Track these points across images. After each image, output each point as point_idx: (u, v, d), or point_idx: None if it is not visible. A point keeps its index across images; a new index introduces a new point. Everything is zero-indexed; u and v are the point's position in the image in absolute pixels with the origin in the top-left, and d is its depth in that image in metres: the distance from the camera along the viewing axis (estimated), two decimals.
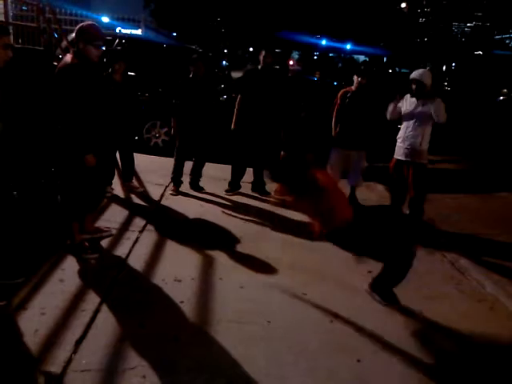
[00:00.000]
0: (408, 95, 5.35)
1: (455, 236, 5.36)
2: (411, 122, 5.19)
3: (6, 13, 6.60)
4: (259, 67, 5.85)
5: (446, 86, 27.52)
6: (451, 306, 3.73)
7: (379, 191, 6.74)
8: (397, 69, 30.11)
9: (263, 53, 5.80)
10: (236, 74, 10.02)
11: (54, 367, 2.56)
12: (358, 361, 2.90)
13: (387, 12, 25.37)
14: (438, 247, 4.92)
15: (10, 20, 6.91)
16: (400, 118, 5.40)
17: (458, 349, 3.17)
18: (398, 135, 5.39)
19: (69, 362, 2.61)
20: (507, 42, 38.36)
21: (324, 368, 2.82)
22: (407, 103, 5.30)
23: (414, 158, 5.23)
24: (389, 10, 25.95)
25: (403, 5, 30.31)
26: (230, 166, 6.10)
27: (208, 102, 5.77)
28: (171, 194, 5.73)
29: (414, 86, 5.15)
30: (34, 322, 2.93)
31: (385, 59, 31.69)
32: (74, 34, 3.88)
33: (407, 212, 5.54)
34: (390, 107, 5.43)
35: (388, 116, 5.48)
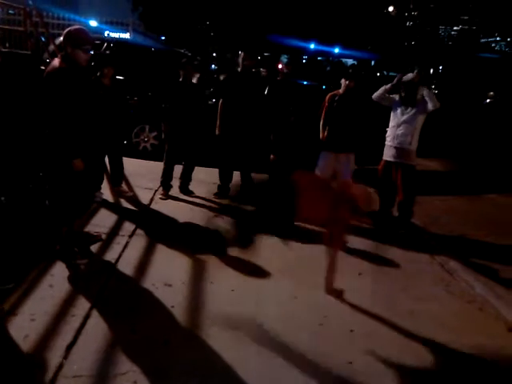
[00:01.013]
0: (397, 96, 5.42)
1: (444, 238, 5.41)
2: (401, 120, 5.28)
3: None
4: (239, 70, 5.87)
5: (433, 88, 27.78)
6: (441, 306, 3.77)
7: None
8: (385, 72, 30.34)
9: (242, 55, 5.82)
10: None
11: (45, 373, 2.54)
12: (350, 363, 2.91)
13: (374, 16, 25.56)
14: (427, 249, 4.96)
15: None
16: (390, 108, 5.46)
17: (447, 349, 3.20)
18: (387, 134, 5.46)
19: (60, 367, 2.59)
20: (493, 45, 38.81)
21: (315, 370, 2.82)
22: (397, 103, 5.38)
23: (402, 159, 5.29)
24: (376, 13, 26.14)
25: (390, 8, 30.56)
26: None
27: (197, 105, 5.78)
28: (161, 199, 5.72)
29: (403, 94, 5.27)
30: (23, 328, 2.90)
31: (373, 63, 31.92)
32: (61, 38, 3.85)
33: (396, 214, 5.59)
34: (382, 88, 5.47)
35: (375, 95, 5.51)
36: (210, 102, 7.63)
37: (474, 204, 7.02)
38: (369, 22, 24.50)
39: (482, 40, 38.08)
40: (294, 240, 4.76)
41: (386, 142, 5.47)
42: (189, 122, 5.67)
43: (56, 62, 3.61)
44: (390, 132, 5.44)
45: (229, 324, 3.20)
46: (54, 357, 2.67)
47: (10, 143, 3.68)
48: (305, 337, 3.14)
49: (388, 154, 5.44)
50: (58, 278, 3.57)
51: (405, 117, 5.25)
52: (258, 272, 4.04)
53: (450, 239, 5.41)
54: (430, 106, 5.12)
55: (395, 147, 5.33)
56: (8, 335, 2.83)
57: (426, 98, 5.12)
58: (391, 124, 5.43)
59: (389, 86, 5.46)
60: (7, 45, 8.39)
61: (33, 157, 4.98)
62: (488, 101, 23.41)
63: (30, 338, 2.81)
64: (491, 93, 24.02)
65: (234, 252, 4.38)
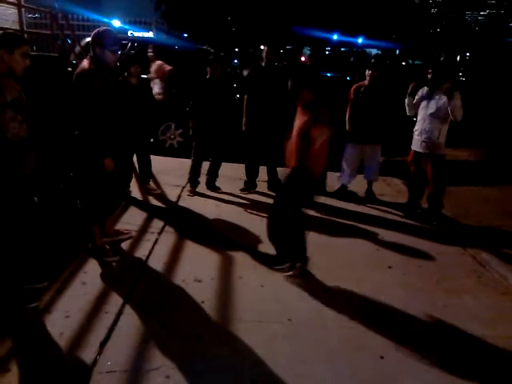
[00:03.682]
0: (425, 88, 5.32)
1: (476, 229, 5.31)
2: (428, 115, 5.16)
3: (20, 21, 6.67)
4: (263, 64, 5.84)
5: (460, 76, 27.15)
6: (474, 298, 3.69)
7: (396, 185, 6.69)
8: (410, 61, 29.81)
9: (266, 49, 5.79)
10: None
11: (81, 369, 2.60)
12: (382, 357, 2.89)
13: (398, 4, 25.10)
14: (458, 241, 4.87)
15: (25, 28, 6.98)
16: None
17: (481, 341, 3.14)
18: (415, 128, 5.36)
19: (94, 363, 2.65)
20: None
21: (346, 365, 2.81)
22: (424, 96, 5.28)
23: (432, 150, 5.20)
24: (400, 1, 25.67)
25: None
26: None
27: (225, 102, 5.78)
28: (188, 195, 5.76)
29: (429, 76, 5.16)
30: (58, 325, 2.98)
31: (397, 52, 31.39)
32: (87, 40, 3.91)
33: (426, 206, 5.51)
34: (408, 102, 5.41)
35: (408, 112, 5.47)
36: (235, 98, 7.66)
37: (506, 193, 6.85)
38: (392, 10, 24.07)
39: (511, 24, 37.00)
40: (322, 234, 4.72)
41: (414, 136, 5.38)
42: (216, 118, 5.68)
43: (85, 63, 3.66)
44: (417, 126, 5.34)
45: (259, 319, 3.21)
46: (89, 353, 2.73)
47: (42, 145, 3.75)
48: (335, 331, 3.13)
49: (416, 145, 5.35)
50: (90, 276, 3.65)
51: (432, 110, 5.14)
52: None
53: (482, 230, 5.29)
54: (452, 116, 5.00)
55: (423, 141, 5.23)
56: (44, 332, 2.91)
57: (453, 109, 4.97)
58: (419, 117, 5.33)
59: (407, 99, 5.40)
60: (34, 48, 8.56)
61: (63, 157, 5.08)
62: None
63: (64, 335, 2.88)
64: None
65: (262, 247, 4.39)
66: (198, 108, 5.69)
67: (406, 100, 5.45)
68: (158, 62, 6.48)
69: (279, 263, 3.90)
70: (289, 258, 3.88)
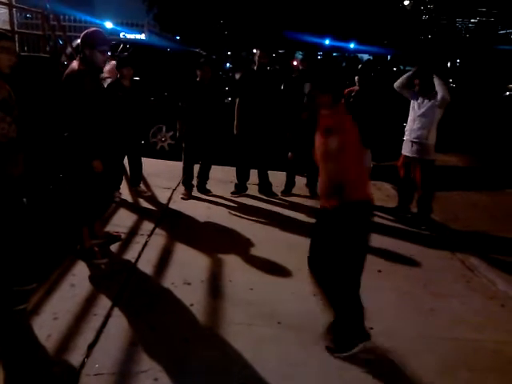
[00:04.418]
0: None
1: (464, 234, 5.35)
2: (418, 114, 5.26)
3: (11, 21, 6.64)
4: (255, 68, 5.85)
5: (450, 82, 27.41)
6: (462, 303, 3.72)
7: (386, 190, 6.73)
8: (401, 67, 30.03)
9: (258, 53, 5.80)
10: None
11: (68, 372, 2.58)
12: (368, 362, 2.90)
13: (390, 10, 25.30)
14: (447, 245, 4.91)
15: (16, 28, 6.95)
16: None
17: (469, 346, 3.16)
18: (406, 127, 5.46)
19: (82, 366, 2.63)
20: None
21: (335, 368, 2.82)
22: (414, 97, 5.37)
23: (421, 154, 5.26)
24: (392, 7, 25.88)
25: (406, 2, 30.22)
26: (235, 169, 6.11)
27: (214, 105, 5.77)
28: (182, 198, 5.73)
29: (417, 87, 5.25)
30: (46, 327, 2.95)
31: (389, 57, 31.62)
32: (78, 41, 3.91)
33: (415, 210, 5.54)
34: (404, 76, 5.43)
35: (397, 83, 5.47)
36: (226, 101, 7.67)
37: (494, 199, 6.91)
38: (384, 16, 24.26)
39: (501, 32, 37.44)
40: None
41: (405, 137, 5.44)
42: (205, 121, 5.68)
43: (75, 64, 3.66)
44: (407, 126, 5.43)
45: (248, 322, 3.21)
46: (77, 355, 2.71)
47: (31, 146, 3.73)
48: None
49: (406, 149, 5.40)
50: (79, 278, 3.62)
51: (421, 110, 5.23)
52: (276, 270, 4.04)
53: (471, 235, 5.34)
54: (438, 96, 5.06)
55: (412, 141, 5.31)
56: (32, 334, 2.89)
57: (437, 88, 5.06)
58: (409, 118, 5.42)
59: (410, 73, 5.42)
60: (25, 48, 8.51)
61: (53, 159, 5.05)
62: (507, 93, 23.02)
63: (52, 337, 2.86)
64: (510, 85, 23.62)
65: (251, 250, 4.39)
66: (187, 110, 5.68)
67: (406, 74, 5.46)
68: (112, 62, 6.40)
69: (345, 347, 2.92)
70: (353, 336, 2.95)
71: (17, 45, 6.58)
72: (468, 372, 2.89)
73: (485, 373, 2.92)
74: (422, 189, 5.35)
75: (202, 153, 5.89)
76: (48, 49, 7.38)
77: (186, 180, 5.84)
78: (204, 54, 9.78)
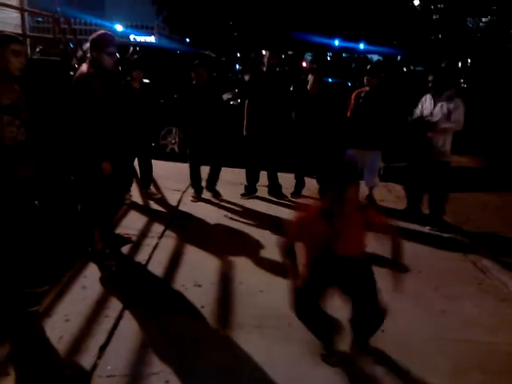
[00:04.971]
0: (427, 96, 5.32)
1: (477, 235, 5.30)
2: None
3: (23, 25, 6.71)
4: (264, 69, 5.84)
5: (462, 82, 27.16)
6: (474, 305, 3.69)
7: (397, 191, 6.69)
8: (411, 67, 29.83)
9: (267, 54, 5.80)
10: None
11: (80, 373, 2.60)
12: (380, 364, 2.88)
13: (399, 10, 25.16)
14: (459, 247, 4.86)
15: (28, 32, 7.03)
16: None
17: (481, 348, 3.13)
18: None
19: (94, 368, 2.65)
20: None
21: (346, 370, 2.80)
22: (427, 104, 5.28)
23: (436, 156, 5.19)
24: (401, 7, 25.73)
25: (416, 2, 30.02)
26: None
27: (213, 107, 5.64)
28: (192, 201, 5.74)
29: (430, 83, 5.17)
30: (58, 329, 2.97)
31: (399, 58, 31.42)
32: (88, 44, 3.93)
33: (426, 211, 5.50)
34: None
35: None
36: (234, 103, 7.68)
37: (506, 200, 6.85)
38: (394, 16, 24.13)
39: None
40: None
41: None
42: (205, 123, 5.58)
43: (84, 67, 3.68)
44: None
45: (258, 324, 3.20)
46: (89, 357, 2.73)
47: (43, 148, 3.75)
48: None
49: (421, 151, 5.32)
50: (90, 280, 3.65)
51: (435, 119, 5.12)
52: (286, 272, 4.02)
53: (483, 237, 5.29)
54: (451, 124, 5.01)
55: (427, 147, 5.21)
56: (44, 336, 2.91)
57: (453, 116, 4.99)
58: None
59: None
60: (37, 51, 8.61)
61: (63, 161, 5.08)
62: None
63: (64, 339, 2.88)
64: None
65: (261, 252, 4.39)
66: (186, 115, 5.63)
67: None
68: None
69: None
70: None
71: (28, 48, 6.65)
72: (481, 374, 2.86)
73: (498, 375, 2.89)
74: (436, 190, 5.30)
75: (210, 155, 5.83)
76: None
77: (195, 184, 5.84)
78: (213, 56, 9.81)
